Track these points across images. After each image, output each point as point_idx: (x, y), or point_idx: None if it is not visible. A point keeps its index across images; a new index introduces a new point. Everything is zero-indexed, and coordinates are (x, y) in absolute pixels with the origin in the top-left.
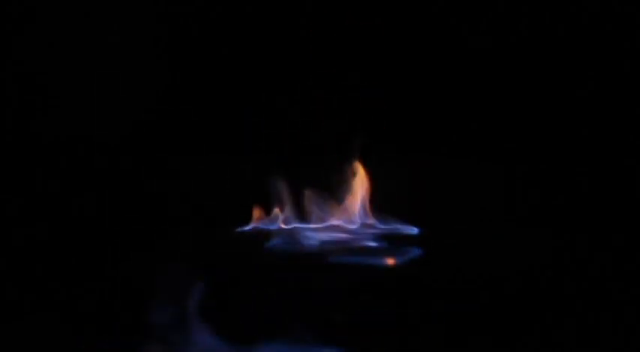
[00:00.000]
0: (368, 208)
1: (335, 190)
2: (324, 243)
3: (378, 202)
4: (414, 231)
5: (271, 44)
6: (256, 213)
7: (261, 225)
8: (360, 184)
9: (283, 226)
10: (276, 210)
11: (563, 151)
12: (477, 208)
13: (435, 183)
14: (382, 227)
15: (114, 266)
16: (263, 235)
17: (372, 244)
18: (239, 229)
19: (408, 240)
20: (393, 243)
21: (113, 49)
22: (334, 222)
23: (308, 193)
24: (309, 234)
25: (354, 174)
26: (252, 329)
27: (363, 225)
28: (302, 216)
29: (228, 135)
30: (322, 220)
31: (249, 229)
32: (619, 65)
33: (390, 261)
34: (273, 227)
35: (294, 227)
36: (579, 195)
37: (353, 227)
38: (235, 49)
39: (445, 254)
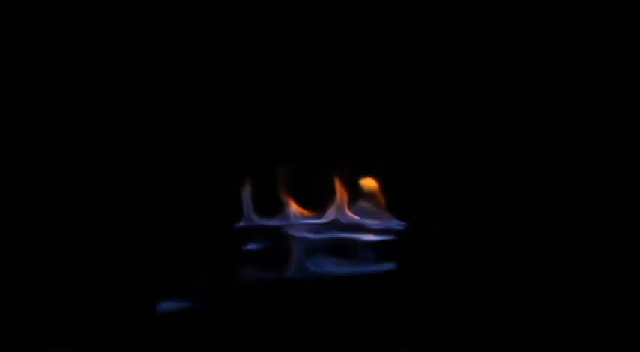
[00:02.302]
0: (349, 205)
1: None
2: (317, 239)
3: (376, 201)
4: (399, 225)
5: (271, 44)
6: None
7: (257, 221)
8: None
9: (278, 223)
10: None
11: (563, 151)
12: (477, 208)
13: (436, 183)
14: (369, 223)
15: (114, 266)
16: (259, 232)
17: (365, 240)
18: (238, 224)
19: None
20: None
21: (113, 49)
22: (323, 218)
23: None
24: (301, 230)
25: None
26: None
27: (351, 222)
28: (295, 212)
29: (228, 135)
30: (313, 216)
31: (246, 225)
32: (619, 65)
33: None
34: (269, 223)
35: (287, 223)
36: (579, 195)
37: (342, 223)
38: (235, 49)
39: (445, 253)
